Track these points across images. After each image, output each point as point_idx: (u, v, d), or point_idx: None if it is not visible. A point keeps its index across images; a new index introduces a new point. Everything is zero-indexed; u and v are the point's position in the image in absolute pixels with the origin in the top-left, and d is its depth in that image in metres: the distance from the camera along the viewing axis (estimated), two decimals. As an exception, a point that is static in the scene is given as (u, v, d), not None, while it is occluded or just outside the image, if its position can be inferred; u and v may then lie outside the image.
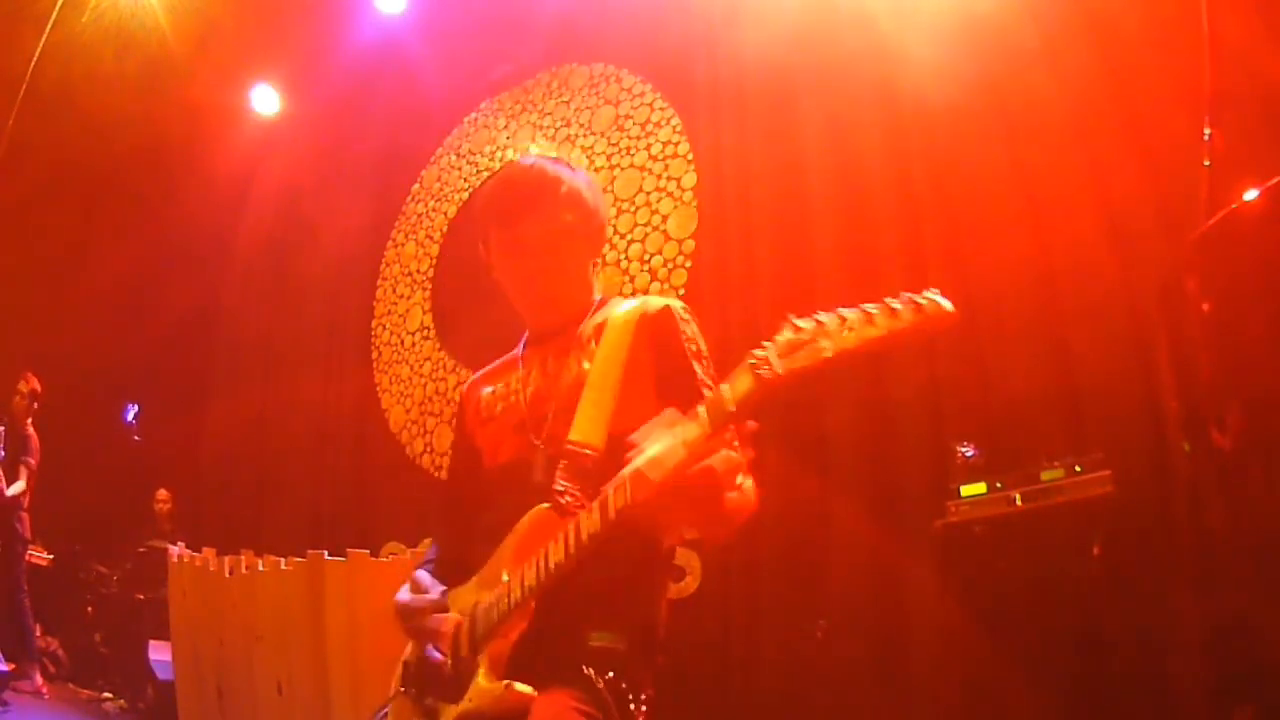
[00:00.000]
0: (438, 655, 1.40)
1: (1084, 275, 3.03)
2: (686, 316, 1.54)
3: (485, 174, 5.42)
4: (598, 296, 1.65)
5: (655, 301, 1.56)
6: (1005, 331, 3.18)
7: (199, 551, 3.91)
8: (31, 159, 5.89)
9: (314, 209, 6.25)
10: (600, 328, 1.54)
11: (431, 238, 5.69)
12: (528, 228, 1.56)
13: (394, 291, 5.82)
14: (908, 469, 3.31)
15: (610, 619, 1.40)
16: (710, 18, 4.37)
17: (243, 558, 3.55)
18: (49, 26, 5.27)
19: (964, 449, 2.94)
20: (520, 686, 1.29)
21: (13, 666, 4.81)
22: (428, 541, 1.82)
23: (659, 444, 1.17)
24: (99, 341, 7.14)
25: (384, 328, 5.81)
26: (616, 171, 4.68)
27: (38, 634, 5.58)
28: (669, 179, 4.49)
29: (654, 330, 1.51)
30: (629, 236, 4.51)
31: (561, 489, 1.40)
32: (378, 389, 5.67)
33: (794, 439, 3.53)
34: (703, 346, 1.51)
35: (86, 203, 6.81)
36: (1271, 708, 1.43)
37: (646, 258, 4.45)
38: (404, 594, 1.53)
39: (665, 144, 4.57)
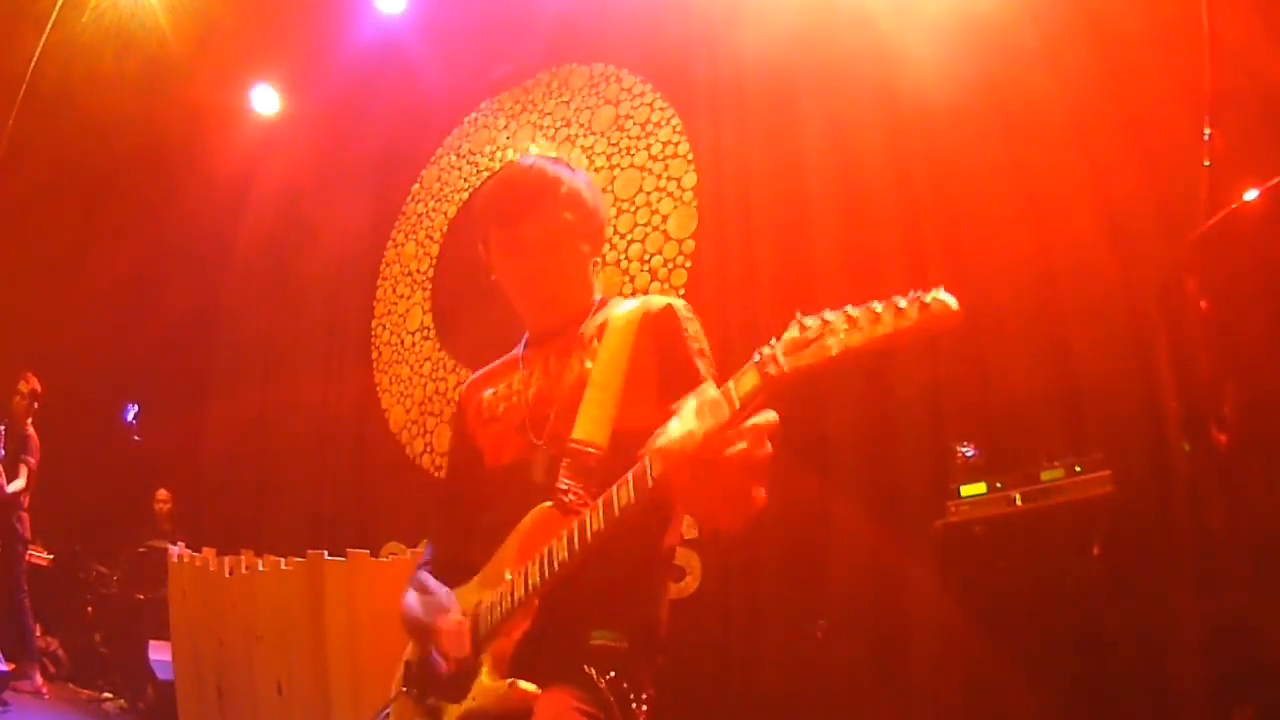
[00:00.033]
0: (440, 660, 1.40)
1: (1084, 275, 3.03)
2: (689, 315, 1.54)
3: (485, 174, 5.42)
4: (598, 296, 1.65)
5: (658, 300, 1.56)
6: (1005, 331, 3.18)
7: (199, 551, 3.91)
8: (31, 159, 5.89)
9: (314, 209, 6.25)
10: (602, 327, 1.54)
11: (431, 238, 5.69)
12: (527, 228, 1.56)
13: (394, 291, 5.82)
14: (908, 469, 3.31)
15: (612, 618, 1.40)
16: (710, 18, 4.38)
17: (243, 558, 3.55)
18: (49, 26, 5.27)
19: (964, 449, 2.94)
20: (524, 685, 1.29)
21: (13, 666, 4.81)
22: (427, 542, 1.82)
23: (681, 423, 1.15)
24: (99, 341, 7.14)
25: (384, 328, 5.81)
26: (616, 171, 4.68)
27: (38, 634, 5.58)
28: (669, 179, 4.49)
29: (657, 329, 1.51)
30: (629, 236, 4.51)
31: (565, 487, 1.40)
32: (378, 389, 5.67)
33: (794, 439, 3.53)
34: (705, 345, 1.51)
35: (86, 203, 6.81)
36: (1271, 708, 1.43)
37: (646, 258, 4.45)
38: (411, 597, 1.52)
39: (665, 144, 4.57)
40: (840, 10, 3.82)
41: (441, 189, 5.70)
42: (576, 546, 1.26)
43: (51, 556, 6.54)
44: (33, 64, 5.36)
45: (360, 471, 5.59)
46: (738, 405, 1.09)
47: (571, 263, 1.60)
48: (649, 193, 4.54)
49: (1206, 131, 2.03)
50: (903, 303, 1.00)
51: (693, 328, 1.52)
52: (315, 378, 6.04)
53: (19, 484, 5.23)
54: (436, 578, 1.55)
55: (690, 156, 4.45)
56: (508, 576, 1.36)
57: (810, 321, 1.05)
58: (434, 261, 5.63)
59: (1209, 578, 1.80)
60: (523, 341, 1.70)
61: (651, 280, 4.40)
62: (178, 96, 6.12)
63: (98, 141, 6.26)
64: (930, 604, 2.91)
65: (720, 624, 3.66)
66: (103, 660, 6.09)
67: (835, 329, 1.03)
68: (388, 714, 1.50)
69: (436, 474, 5.04)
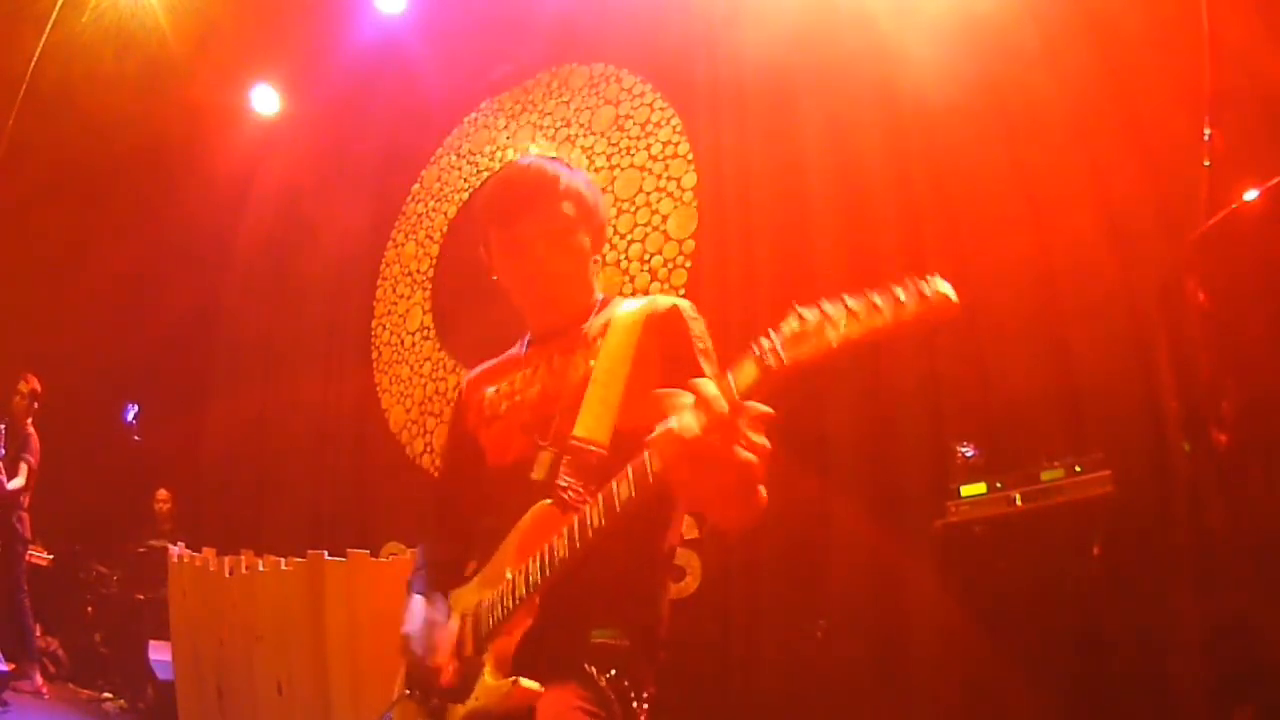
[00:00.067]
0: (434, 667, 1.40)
1: (1084, 275, 3.04)
2: (695, 315, 1.54)
3: (485, 174, 5.42)
4: (599, 295, 1.65)
5: (663, 300, 1.56)
6: (1005, 331, 3.18)
7: (199, 551, 3.91)
8: (31, 159, 5.88)
9: (314, 209, 6.25)
10: (606, 326, 1.53)
11: (431, 238, 5.69)
12: (528, 225, 1.56)
13: (394, 291, 5.82)
14: (908, 469, 3.31)
15: (613, 617, 1.40)
16: (710, 18, 4.37)
17: (243, 558, 3.55)
18: (49, 26, 5.26)
19: (964, 449, 2.94)
20: (526, 682, 1.29)
21: (13, 666, 4.81)
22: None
23: (681, 416, 1.13)
24: (99, 341, 7.14)
25: (384, 328, 5.81)
26: (616, 171, 4.68)
27: (38, 634, 5.57)
28: (669, 179, 4.49)
29: (662, 329, 1.50)
30: (629, 236, 4.51)
31: (564, 485, 1.39)
32: (378, 389, 5.67)
33: (794, 439, 3.53)
34: (710, 345, 1.51)
35: (86, 203, 6.80)
36: (1271, 708, 1.43)
37: (646, 258, 4.45)
38: (411, 625, 1.51)
39: (665, 144, 4.57)
40: (840, 10, 3.82)
41: (441, 189, 5.70)
42: (577, 543, 1.25)
43: (51, 556, 6.54)
44: (33, 64, 5.36)
45: (360, 471, 5.59)
46: (737, 398, 1.09)
47: (573, 258, 1.59)
48: (649, 193, 4.54)
49: (1206, 131, 2.04)
50: (901, 294, 1.00)
51: (698, 328, 1.52)
52: (315, 378, 6.04)
53: (19, 482, 5.23)
54: (436, 580, 1.55)
55: (690, 156, 4.45)
56: (508, 575, 1.36)
57: (809, 313, 1.05)
58: (434, 261, 5.63)
59: (1209, 578, 1.80)
60: (524, 340, 1.69)
61: (651, 280, 4.40)
62: (178, 96, 6.12)
63: (98, 141, 6.25)
64: (930, 604, 2.91)
65: (720, 624, 3.66)
66: (103, 660, 6.09)
67: (834, 321, 1.03)
68: (390, 716, 1.50)
69: (436, 474, 5.03)
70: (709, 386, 1.11)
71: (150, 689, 4.77)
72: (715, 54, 4.36)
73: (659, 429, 1.14)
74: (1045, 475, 2.56)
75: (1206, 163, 2.00)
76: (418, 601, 1.53)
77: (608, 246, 4.27)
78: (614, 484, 1.22)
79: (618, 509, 1.20)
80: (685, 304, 1.55)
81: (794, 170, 3.89)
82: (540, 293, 1.60)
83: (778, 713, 3.36)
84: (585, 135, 4.94)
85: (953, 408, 3.26)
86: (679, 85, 4.57)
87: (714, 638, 3.62)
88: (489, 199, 1.67)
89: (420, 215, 5.81)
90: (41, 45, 5.31)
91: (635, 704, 1.35)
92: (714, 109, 4.34)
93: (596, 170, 4.71)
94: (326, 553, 3.01)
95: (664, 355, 1.47)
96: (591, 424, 1.42)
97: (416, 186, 5.88)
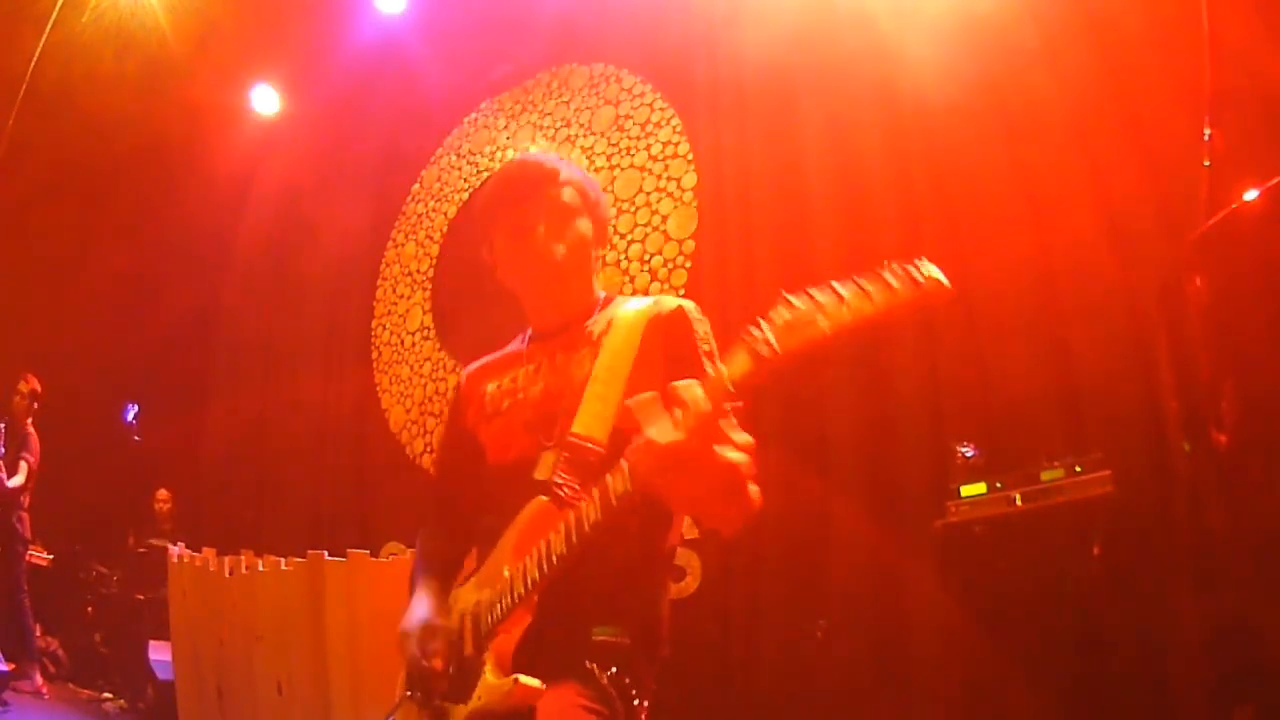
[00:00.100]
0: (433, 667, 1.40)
1: (1084, 275, 3.04)
2: (700, 316, 1.53)
3: (485, 174, 5.42)
4: (601, 293, 1.64)
5: (669, 301, 1.55)
6: (1005, 331, 3.18)
7: (199, 551, 3.91)
8: (31, 159, 5.88)
9: (314, 209, 6.25)
10: (610, 324, 1.53)
11: (431, 238, 5.69)
12: (529, 208, 1.56)
13: (394, 291, 5.82)
14: (908, 469, 3.31)
15: (613, 615, 1.39)
16: (710, 18, 4.37)
17: (243, 558, 3.55)
18: (49, 26, 5.27)
19: (964, 449, 2.94)
20: (527, 680, 1.28)
21: (13, 666, 4.81)
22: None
23: (658, 424, 1.14)
24: (99, 341, 7.14)
25: (384, 328, 5.81)
26: (616, 172, 4.68)
27: (38, 634, 5.57)
28: (669, 179, 4.49)
29: (667, 330, 1.50)
30: (629, 236, 4.51)
31: (560, 481, 1.39)
32: (378, 389, 5.67)
33: (794, 439, 3.53)
34: (714, 347, 1.51)
35: (86, 203, 6.80)
36: (1271, 708, 1.43)
37: (646, 258, 4.45)
38: (409, 624, 1.50)
39: (665, 144, 4.57)
40: (840, 10, 3.82)
41: (441, 189, 5.70)
42: (574, 539, 1.25)
43: (51, 556, 6.54)
44: (33, 64, 5.36)
45: (360, 471, 5.59)
46: (730, 389, 1.08)
47: (575, 244, 1.58)
48: (649, 193, 4.54)
49: (1206, 131, 2.04)
50: (892, 279, 0.99)
51: (702, 329, 1.51)
52: (315, 378, 6.04)
53: (19, 480, 5.23)
54: (433, 576, 1.55)
55: (690, 156, 4.45)
56: (506, 573, 1.35)
57: (800, 301, 1.04)
58: (434, 261, 5.63)
59: (1209, 578, 1.80)
60: (525, 335, 1.68)
61: (651, 280, 4.40)
62: (178, 96, 6.12)
63: (98, 141, 6.26)
64: (930, 604, 2.91)
65: (720, 624, 3.66)
66: (103, 660, 6.09)
67: (826, 308, 1.02)
68: (393, 719, 1.49)
69: (433, 471, 5.02)
70: (686, 390, 1.10)
71: (150, 689, 4.77)
72: (715, 54, 4.35)
73: (637, 439, 1.13)
74: (1045, 475, 2.56)
75: (1206, 163, 2.00)
76: (418, 600, 1.52)
77: (607, 246, 4.27)
78: (609, 478, 1.21)
79: (614, 503, 1.19)
80: (690, 305, 1.54)
81: (794, 170, 3.89)
82: (543, 278, 1.58)
83: (778, 713, 3.36)
84: (585, 135, 4.94)
85: (953, 408, 3.26)
86: (679, 85, 4.57)
87: (714, 638, 3.62)
88: (491, 190, 1.67)
89: (420, 215, 5.81)
90: (41, 45, 5.32)
91: (636, 702, 1.35)
92: (714, 109, 4.33)
93: (596, 170, 4.71)
94: (326, 553, 3.02)
95: (668, 356, 1.46)
96: (590, 422, 1.42)
97: (416, 186, 5.88)
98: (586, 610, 1.38)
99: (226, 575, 3.56)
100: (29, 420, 5.43)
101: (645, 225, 4.50)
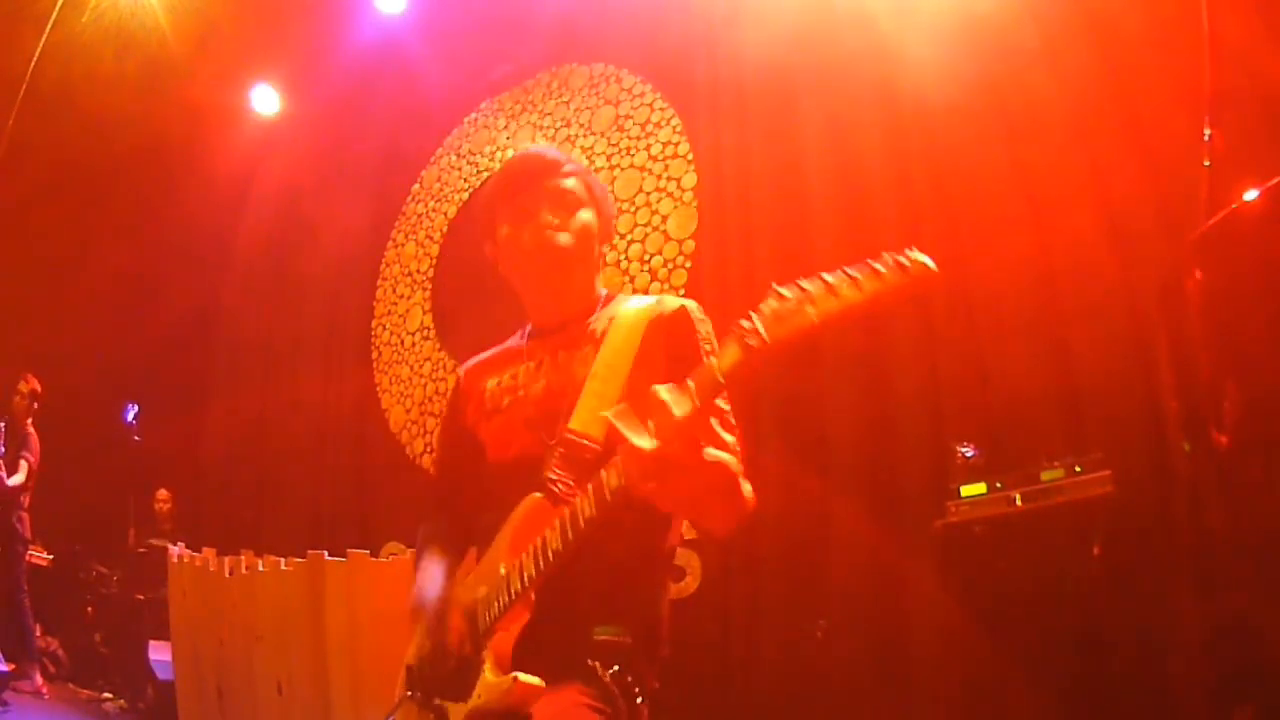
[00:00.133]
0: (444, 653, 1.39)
1: (1084, 275, 3.04)
2: (702, 317, 1.53)
3: (485, 174, 5.42)
4: (603, 291, 1.64)
5: (671, 301, 1.55)
6: (1005, 331, 3.18)
7: (199, 551, 3.91)
8: (31, 159, 5.88)
9: (314, 209, 6.25)
10: (612, 322, 1.53)
11: (431, 238, 5.69)
12: (533, 195, 1.56)
13: (394, 291, 5.82)
14: (908, 469, 3.31)
15: (614, 614, 1.39)
16: (710, 18, 4.37)
17: (243, 558, 3.55)
18: (49, 26, 5.26)
19: (964, 449, 2.94)
20: (526, 678, 1.28)
21: (13, 666, 4.81)
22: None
23: (638, 431, 1.14)
24: (99, 341, 7.14)
25: (384, 328, 5.81)
26: (616, 172, 4.68)
27: (38, 634, 5.58)
28: (669, 179, 4.49)
29: (669, 330, 1.49)
30: (629, 236, 4.51)
31: (555, 478, 1.39)
32: (378, 389, 5.67)
33: (794, 439, 3.53)
34: (716, 347, 1.51)
35: (86, 203, 6.80)
36: (1271, 708, 1.43)
37: (646, 258, 4.45)
38: (423, 590, 1.50)
39: (665, 144, 4.57)
40: (840, 10, 3.82)
41: (441, 189, 5.70)
42: (570, 535, 1.25)
43: (51, 556, 6.54)
44: (33, 64, 5.36)
45: (360, 471, 5.59)
46: (721, 381, 1.08)
47: (578, 233, 1.57)
48: (649, 193, 4.54)
49: (1206, 131, 2.03)
50: (880, 266, 0.99)
51: (705, 329, 1.51)
52: (315, 378, 6.04)
53: (19, 478, 5.23)
54: (437, 559, 1.54)
55: (690, 156, 4.45)
56: (502, 571, 1.35)
57: (789, 291, 1.05)
58: (434, 261, 5.63)
59: (1209, 578, 1.80)
60: (524, 330, 1.68)
61: (651, 280, 4.40)
62: (178, 96, 6.12)
63: (98, 141, 6.25)
64: (930, 604, 2.91)
65: (720, 624, 3.66)
66: (103, 660, 6.09)
67: (814, 297, 1.02)
68: (393, 719, 1.49)
69: (435, 475, 5.02)
70: (659, 395, 1.10)
71: (150, 689, 4.77)
72: (715, 54, 4.35)
73: (622, 446, 1.13)
74: (1045, 475, 2.56)
75: (1206, 163, 2.00)
76: (427, 576, 1.51)
77: (608, 246, 4.27)
78: (603, 473, 1.21)
79: (608, 498, 1.19)
80: (693, 305, 1.54)
81: (794, 170, 3.89)
82: (546, 265, 1.56)
83: (778, 713, 3.36)
84: (585, 135, 4.94)
85: (953, 408, 3.26)
86: (679, 85, 4.57)
87: (714, 638, 3.62)
88: (495, 182, 1.67)
89: (420, 215, 5.81)
90: (41, 45, 5.31)
91: (638, 701, 1.35)
92: (714, 109, 4.33)
93: (596, 170, 4.71)
94: (326, 553, 3.01)
95: (669, 356, 1.46)
96: (587, 419, 1.41)
97: (416, 186, 5.88)
98: (585, 609, 1.38)
99: (226, 575, 3.56)
100: (29, 420, 5.43)
101: (645, 225, 4.50)
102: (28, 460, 5.33)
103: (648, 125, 4.67)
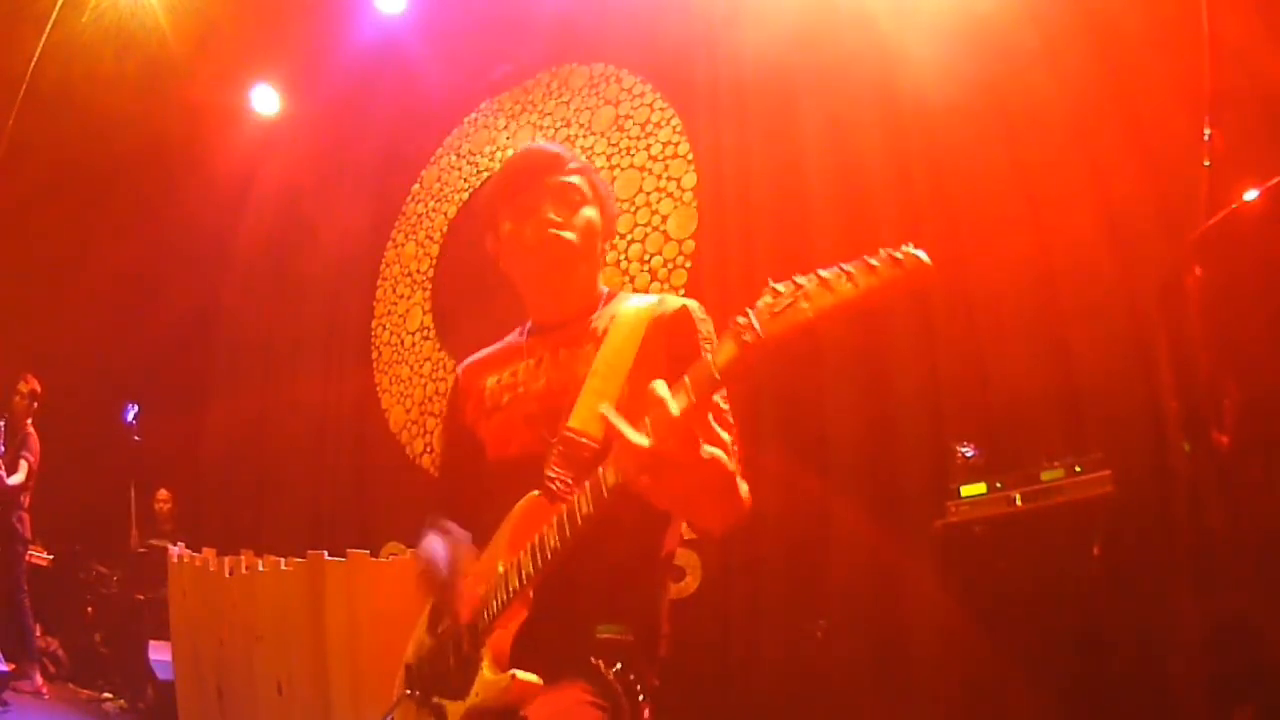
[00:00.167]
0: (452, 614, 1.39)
1: (1084, 275, 3.04)
2: (703, 316, 1.53)
3: (485, 174, 5.43)
4: (604, 289, 1.64)
5: (673, 301, 1.55)
6: (1005, 331, 3.18)
7: (199, 551, 3.91)
8: (31, 159, 5.88)
9: (314, 209, 6.25)
10: (613, 320, 1.52)
11: (431, 238, 5.69)
12: (536, 190, 1.56)
13: (394, 291, 5.82)
14: (908, 469, 3.31)
15: (612, 613, 1.39)
16: (710, 18, 4.37)
17: (243, 558, 3.55)
18: (49, 26, 5.27)
19: (964, 449, 2.94)
20: (524, 675, 1.28)
21: (13, 666, 4.81)
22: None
23: (633, 428, 1.13)
24: (99, 341, 7.14)
25: (384, 328, 5.81)
26: (616, 172, 4.68)
27: (38, 634, 5.58)
28: (669, 179, 4.49)
29: (671, 329, 1.49)
30: (629, 236, 4.51)
31: (553, 475, 1.39)
32: (378, 389, 5.67)
33: (794, 439, 3.53)
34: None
35: (86, 203, 6.80)
36: (1271, 708, 1.43)
37: (646, 258, 4.45)
38: (432, 545, 1.49)
39: (665, 144, 4.57)
40: (840, 10, 3.82)
41: (441, 189, 5.71)
42: (567, 532, 1.24)
43: (51, 556, 6.54)
44: (33, 64, 5.36)
45: (360, 471, 5.59)
46: (717, 377, 1.08)
47: (581, 229, 1.57)
48: (649, 193, 4.54)
49: (1206, 131, 2.03)
50: (875, 261, 0.99)
51: (706, 329, 1.51)
52: (315, 378, 6.04)
53: (19, 477, 5.24)
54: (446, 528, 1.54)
55: (690, 156, 4.45)
56: (500, 568, 1.35)
57: (783, 287, 1.05)
58: (434, 261, 5.63)
59: (1209, 578, 1.80)
60: (523, 328, 1.67)
61: (651, 280, 4.40)
62: (178, 96, 6.12)
63: (98, 141, 6.25)
64: (930, 604, 2.91)
65: (720, 624, 3.66)
66: (103, 660, 6.09)
67: (809, 293, 1.02)
68: (392, 718, 1.49)
69: (436, 474, 5.03)
70: (655, 393, 1.10)
71: (150, 689, 4.77)
72: (715, 54, 4.35)
73: (617, 443, 1.13)
74: (1045, 475, 2.56)
75: (1206, 163, 2.00)
76: (435, 535, 1.50)
77: (608, 246, 4.28)
78: (600, 470, 1.21)
79: (605, 495, 1.19)
80: (695, 305, 1.54)
81: (794, 170, 3.89)
82: (548, 261, 1.56)
83: (778, 712, 3.36)
84: (585, 135, 4.94)
85: (953, 408, 3.26)
86: (679, 85, 4.57)
87: (714, 638, 3.62)
88: (497, 178, 1.67)
89: (420, 215, 5.81)
90: (41, 45, 5.31)
91: (640, 698, 1.35)
92: (714, 109, 4.33)
93: (596, 170, 4.70)
94: (326, 553, 3.01)
95: (670, 355, 1.46)
96: (586, 417, 1.41)
97: (416, 186, 5.88)
98: (584, 607, 1.38)
99: (226, 575, 3.56)
100: (29, 420, 5.43)
101: (645, 225, 4.50)
102: (28, 460, 5.33)
103: (648, 125, 4.67)
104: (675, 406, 1.09)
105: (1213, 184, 1.95)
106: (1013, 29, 3.29)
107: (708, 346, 1.47)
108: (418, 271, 5.70)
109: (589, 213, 1.59)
